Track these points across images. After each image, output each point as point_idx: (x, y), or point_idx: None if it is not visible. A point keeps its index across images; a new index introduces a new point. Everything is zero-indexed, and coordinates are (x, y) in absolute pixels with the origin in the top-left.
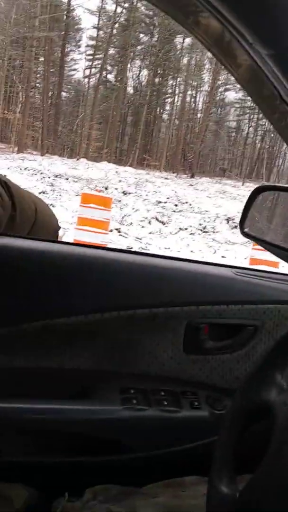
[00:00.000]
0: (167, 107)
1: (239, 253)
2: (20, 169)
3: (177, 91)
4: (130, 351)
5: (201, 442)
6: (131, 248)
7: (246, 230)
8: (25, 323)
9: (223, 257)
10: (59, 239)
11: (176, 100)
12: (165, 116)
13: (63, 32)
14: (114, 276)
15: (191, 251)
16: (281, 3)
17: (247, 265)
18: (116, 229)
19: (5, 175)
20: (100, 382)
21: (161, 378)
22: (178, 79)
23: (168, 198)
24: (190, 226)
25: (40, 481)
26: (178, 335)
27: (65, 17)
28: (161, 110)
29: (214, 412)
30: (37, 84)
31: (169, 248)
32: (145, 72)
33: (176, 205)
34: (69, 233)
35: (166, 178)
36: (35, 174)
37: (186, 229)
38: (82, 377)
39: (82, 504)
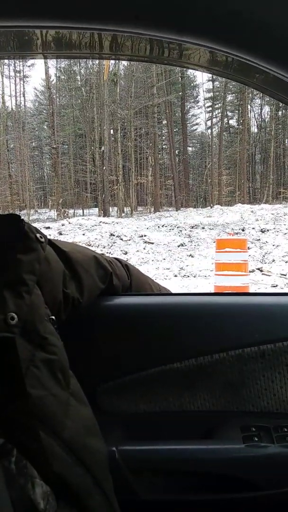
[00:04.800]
0: None
1: None
2: (158, 227)
3: None
4: (245, 390)
5: None
6: (276, 286)
7: None
8: (143, 371)
9: None
10: None
11: None
12: None
13: (180, 93)
14: (220, 318)
15: None
16: None
17: None
18: (258, 269)
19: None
20: (221, 422)
21: (283, 415)
22: None
23: None
24: None
25: None
26: None
27: (180, 78)
28: None
29: None
30: (164, 146)
31: None
32: (266, 108)
33: None
34: (210, 280)
35: None
36: (172, 229)
37: None
38: (204, 418)
39: None
